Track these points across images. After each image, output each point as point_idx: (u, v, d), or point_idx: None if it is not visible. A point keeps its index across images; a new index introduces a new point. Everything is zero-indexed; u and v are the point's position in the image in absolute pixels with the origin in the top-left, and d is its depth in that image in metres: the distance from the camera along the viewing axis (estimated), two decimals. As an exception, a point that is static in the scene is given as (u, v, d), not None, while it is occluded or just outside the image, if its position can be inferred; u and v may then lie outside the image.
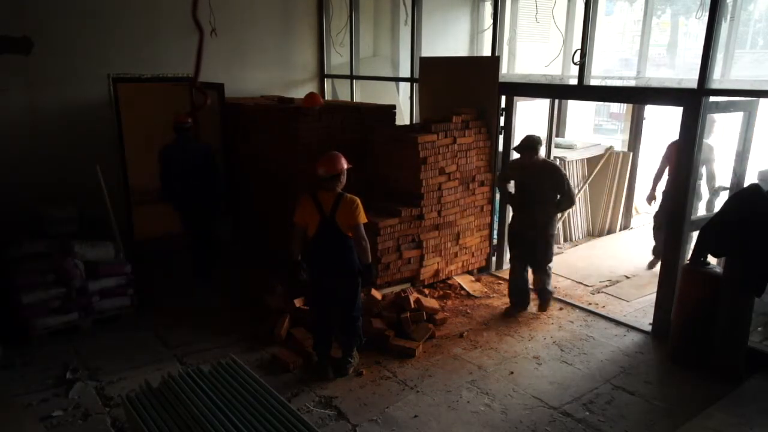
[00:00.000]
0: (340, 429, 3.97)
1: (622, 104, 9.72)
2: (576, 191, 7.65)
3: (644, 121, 8.16)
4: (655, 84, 6.00)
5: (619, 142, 8.72)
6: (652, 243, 6.86)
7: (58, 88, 6.24)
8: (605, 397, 4.34)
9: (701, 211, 5.48)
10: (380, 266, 5.65)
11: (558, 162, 7.35)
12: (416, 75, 7.02)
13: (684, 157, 4.87)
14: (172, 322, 5.46)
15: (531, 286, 5.78)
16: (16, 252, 5.22)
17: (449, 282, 6.34)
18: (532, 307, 5.81)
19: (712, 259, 4.78)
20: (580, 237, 8.00)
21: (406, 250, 5.87)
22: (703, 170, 5.82)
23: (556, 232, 5.43)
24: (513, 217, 5.66)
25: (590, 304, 5.94)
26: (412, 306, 5.31)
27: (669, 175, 6.41)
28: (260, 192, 6.86)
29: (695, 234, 4.78)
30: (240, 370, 3.72)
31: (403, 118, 7.74)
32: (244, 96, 7.50)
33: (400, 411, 4.15)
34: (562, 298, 6.03)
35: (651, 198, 6.76)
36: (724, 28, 4.79)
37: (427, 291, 6.08)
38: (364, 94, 8.32)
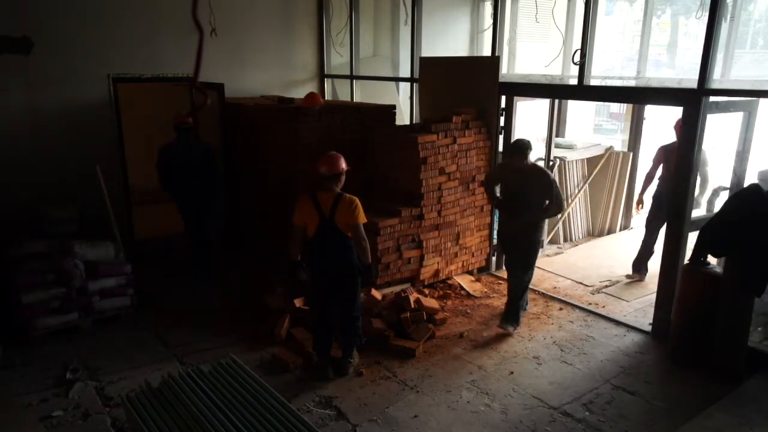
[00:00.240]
0: (340, 429, 3.97)
1: (622, 104, 9.73)
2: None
3: (644, 121, 8.16)
4: (655, 84, 6.01)
5: (619, 142, 8.72)
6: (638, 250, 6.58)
7: (58, 88, 6.24)
8: (605, 397, 4.34)
9: (695, 213, 5.41)
10: (380, 266, 5.65)
11: (558, 162, 7.36)
12: (416, 75, 7.02)
13: (683, 158, 4.86)
14: (172, 322, 5.46)
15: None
16: (16, 252, 5.22)
17: (449, 282, 6.34)
18: (533, 306, 5.81)
19: (712, 259, 4.78)
20: (580, 237, 8.00)
21: (406, 250, 5.87)
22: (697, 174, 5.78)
23: (542, 237, 5.34)
24: (501, 221, 5.56)
25: (590, 304, 5.94)
26: (412, 306, 5.31)
27: (659, 179, 6.40)
28: (260, 192, 6.86)
29: (695, 234, 4.78)
30: (240, 370, 3.72)
31: (403, 118, 7.74)
32: (244, 96, 7.50)
33: (400, 411, 4.15)
34: (562, 298, 6.03)
35: (639, 203, 6.61)
36: (724, 28, 4.79)
37: (427, 291, 6.08)
38: (364, 94, 8.32)
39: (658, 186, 6.41)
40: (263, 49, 7.71)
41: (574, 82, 5.69)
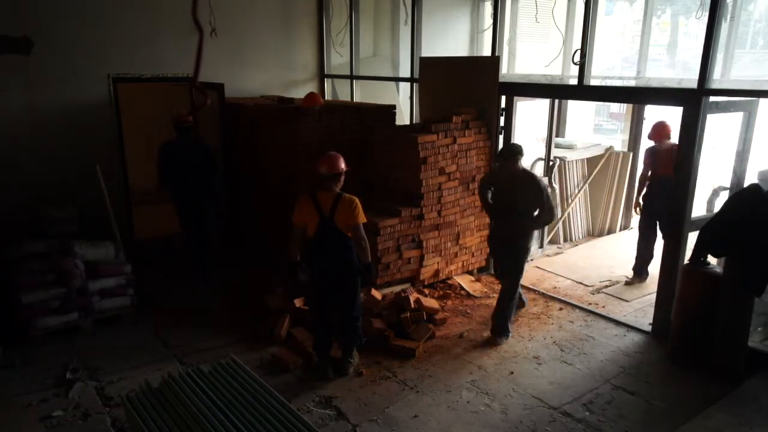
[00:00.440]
0: (340, 429, 3.97)
1: (622, 104, 9.73)
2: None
3: (644, 121, 8.16)
4: (655, 84, 6.00)
5: (619, 142, 8.72)
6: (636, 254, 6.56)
7: (58, 88, 6.24)
8: (605, 397, 4.34)
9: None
10: (380, 266, 5.65)
11: (558, 162, 7.35)
12: (416, 75, 7.02)
13: (683, 158, 4.86)
14: (172, 322, 5.46)
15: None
16: (16, 252, 5.21)
17: (449, 282, 6.34)
18: (532, 306, 5.81)
19: (712, 259, 4.78)
20: (580, 237, 8.00)
21: (406, 250, 5.87)
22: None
23: (531, 245, 5.30)
24: (492, 228, 5.53)
25: (590, 304, 5.94)
26: (412, 306, 5.31)
27: (649, 180, 6.39)
28: (260, 192, 6.86)
29: (695, 234, 4.78)
30: (240, 370, 3.72)
31: (403, 118, 7.74)
32: (244, 96, 7.50)
33: (400, 411, 4.15)
34: (562, 298, 6.03)
35: (637, 205, 6.59)
36: (724, 28, 4.79)
37: (427, 291, 6.08)
38: (364, 94, 8.32)
39: (647, 188, 6.40)
40: (263, 49, 7.71)
41: (574, 82, 5.69)
